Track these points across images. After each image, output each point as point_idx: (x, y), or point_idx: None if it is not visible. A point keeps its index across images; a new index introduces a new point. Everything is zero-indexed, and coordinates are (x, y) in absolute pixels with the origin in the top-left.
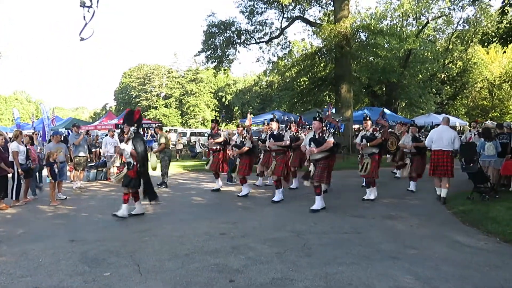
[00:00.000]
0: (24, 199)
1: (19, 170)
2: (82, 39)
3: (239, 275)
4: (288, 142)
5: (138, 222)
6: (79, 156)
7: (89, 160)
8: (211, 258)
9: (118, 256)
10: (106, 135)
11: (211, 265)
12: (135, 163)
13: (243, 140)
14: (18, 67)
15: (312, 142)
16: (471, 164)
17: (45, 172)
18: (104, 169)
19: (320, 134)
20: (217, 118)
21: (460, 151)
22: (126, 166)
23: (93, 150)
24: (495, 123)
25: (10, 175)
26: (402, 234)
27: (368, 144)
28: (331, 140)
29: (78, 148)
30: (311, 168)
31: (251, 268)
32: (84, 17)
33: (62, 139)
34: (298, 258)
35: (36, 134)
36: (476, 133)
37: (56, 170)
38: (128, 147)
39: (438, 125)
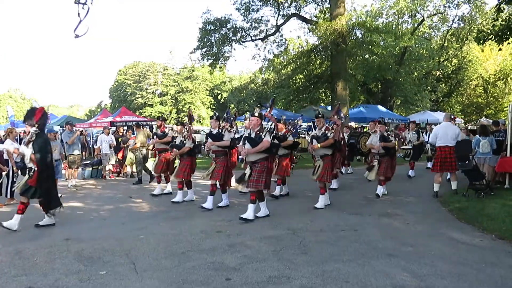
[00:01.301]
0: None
1: (14, 167)
2: (77, 36)
3: (235, 273)
4: (228, 143)
5: (133, 220)
6: (73, 155)
7: (84, 158)
8: (207, 256)
9: (114, 255)
10: (102, 133)
11: (207, 263)
12: (36, 169)
13: (183, 139)
14: (12, 64)
15: (247, 142)
16: (467, 162)
17: None
18: (99, 167)
19: (258, 132)
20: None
21: (456, 149)
22: (27, 172)
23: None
24: (490, 120)
25: (4, 173)
26: (398, 232)
27: (319, 145)
28: (267, 139)
29: (72, 146)
30: (247, 171)
31: (247, 266)
32: (78, 14)
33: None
34: (294, 256)
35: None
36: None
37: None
38: (28, 151)
39: (434, 123)
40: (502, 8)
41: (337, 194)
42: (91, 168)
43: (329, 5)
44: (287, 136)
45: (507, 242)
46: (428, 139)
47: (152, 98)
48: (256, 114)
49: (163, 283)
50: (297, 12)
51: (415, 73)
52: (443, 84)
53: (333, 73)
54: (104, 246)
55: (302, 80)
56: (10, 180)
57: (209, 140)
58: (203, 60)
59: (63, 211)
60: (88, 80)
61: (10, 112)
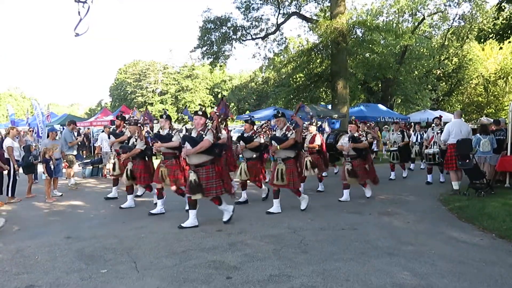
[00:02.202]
0: (27, 194)
1: (15, 166)
2: (77, 34)
3: (236, 271)
4: (177, 143)
5: (134, 219)
6: (72, 154)
7: (85, 157)
8: (208, 255)
9: (115, 253)
10: (102, 131)
11: (208, 262)
12: None
13: (135, 141)
14: (12, 63)
15: (186, 142)
16: (467, 160)
17: (40, 168)
18: (100, 166)
19: (200, 131)
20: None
21: (456, 147)
22: None
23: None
24: (491, 119)
25: (5, 172)
26: (398, 231)
27: (278, 146)
28: (208, 138)
29: (71, 146)
30: (192, 176)
31: (248, 265)
32: (79, 12)
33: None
34: (295, 255)
35: (31, 131)
36: (439, 131)
37: (52, 166)
38: None
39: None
40: (503, 7)
41: (336, 193)
42: (91, 167)
43: (329, 4)
44: (254, 137)
45: (507, 241)
46: (417, 140)
47: (152, 97)
48: (200, 112)
49: (164, 281)
50: (297, 11)
51: (416, 72)
52: (444, 83)
53: (333, 71)
54: (105, 244)
55: (303, 79)
56: (11, 179)
57: (158, 141)
58: (203, 59)
59: (64, 210)
60: (88, 79)
61: (11, 111)
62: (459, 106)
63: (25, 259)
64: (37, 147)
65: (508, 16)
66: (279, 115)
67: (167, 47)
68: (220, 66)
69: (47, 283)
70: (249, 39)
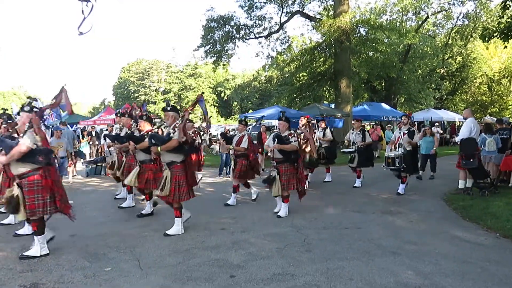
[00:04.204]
0: None
1: None
2: (80, 33)
3: (239, 270)
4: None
5: (137, 217)
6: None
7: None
8: (211, 253)
9: (118, 251)
10: (106, 130)
11: (211, 260)
12: None
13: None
14: (15, 62)
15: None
16: (471, 160)
17: None
18: (103, 164)
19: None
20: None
21: (461, 146)
22: None
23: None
24: (494, 118)
25: None
26: (402, 230)
27: (159, 148)
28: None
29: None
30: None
31: (251, 264)
32: (82, 11)
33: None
34: (298, 254)
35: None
36: (407, 131)
37: (57, 165)
38: None
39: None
40: (508, 5)
41: (340, 193)
42: (95, 165)
43: (333, 3)
44: (145, 136)
45: (511, 240)
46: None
47: (155, 96)
48: (168, 108)
49: (167, 280)
50: (300, 10)
51: (419, 71)
52: (447, 82)
53: (336, 70)
54: (109, 242)
55: (306, 78)
56: None
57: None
58: (206, 58)
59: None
60: (92, 78)
61: (15, 110)
62: (463, 105)
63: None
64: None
65: None
66: (168, 109)
67: (171, 46)
68: (223, 65)
69: (51, 281)
70: (252, 38)
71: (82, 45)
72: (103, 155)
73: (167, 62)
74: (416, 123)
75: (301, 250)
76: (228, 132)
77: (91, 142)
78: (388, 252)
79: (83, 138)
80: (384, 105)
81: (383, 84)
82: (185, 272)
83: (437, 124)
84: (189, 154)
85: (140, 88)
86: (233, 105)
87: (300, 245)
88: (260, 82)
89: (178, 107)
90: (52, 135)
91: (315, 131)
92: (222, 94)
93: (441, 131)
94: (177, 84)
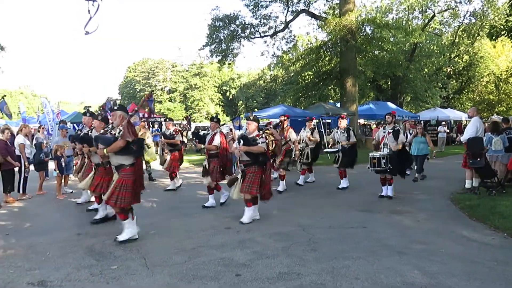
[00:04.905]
0: (38, 191)
1: (26, 163)
2: (87, 33)
3: (245, 269)
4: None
5: (144, 216)
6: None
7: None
8: (217, 252)
9: (125, 250)
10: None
11: (217, 259)
12: None
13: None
14: (22, 61)
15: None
16: (478, 159)
17: (51, 166)
18: None
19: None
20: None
21: (468, 145)
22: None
23: None
24: (501, 117)
25: (16, 169)
26: (408, 229)
27: (105, 151)
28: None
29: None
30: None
31: (257, 262)
32: (89, 11)
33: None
34: (304, 253)
35: (42, 128)
36: (391, 130)
37: (63, 163)
38: None
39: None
40: None
41: (345, 192)
42: None
43: (338, 1)
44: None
45: None
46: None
47: (161, 95)
48: (115, 108)
49: (173, 278)
50: (306, 8)
51: (426, 70)
52: (454, 81)
53: (342, 69)
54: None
55: (311, 77)
56: (22, 176)
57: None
58: (212, 57)
59: (74, 207)
60: (98, 77)
61: (22, 109)
62: (469, 104)
63: (36, 255)
64: (48, 144)
65: None
66: (115, 109)
67: (176, 45)
68: (229, 64)
69: (58, 278)
70: (258, 37)
71: (88, 44)
72: None
73: (172, 61)
74: (422, 122)
75: (306, 249)
76: (198, 129)
77: None
78: (395, 252)
79: None
80: (390, 104)
81: (389, 83)
82: (191, 270)
83: (443, 123)
84: (140, 156)
85: (145, 87)
86: (238, 104)
87: (305, 244)
88: (265, 81)
89: (184, 106)
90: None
91: (305, 130)
92: (227, 93)
93: (448, 130)
94: (183, 83)
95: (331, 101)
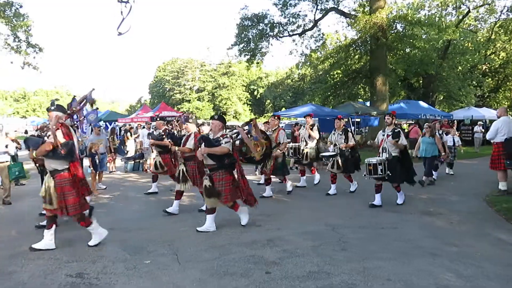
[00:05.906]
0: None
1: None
2: (119, 34)
3: (275, 267)
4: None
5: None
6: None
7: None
8: (247, 249)
9: (157, 245)
10: (143, 128)
11: (247, 257)
12: None
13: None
14: (58, 62)
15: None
16: None
17: (86, 163)
18: (141, 161)
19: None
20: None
21: (504, 146)
22: None
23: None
24: None
25: None
26: (441, 231)
27: (34, 153)
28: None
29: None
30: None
31: (287, 261)
32: (121, 12)
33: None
34: (334, 252)
35: (76, 127)
36: (391, 133)
37: (97, 161)
38: None
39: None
40: None
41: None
42: (133, 162)
43: None
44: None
45: None
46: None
47: (189, 94)
48: (52, 107)
49: (204, 274)
50: (335, 6)
51: (459, 68)
52: (490, 79)
53: (372, 68)
54: (147, 236)
55: (340, 76)
56: None
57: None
58: (240, 56)
59: (107, 202)
60: (129, 77)
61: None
62: (506, 103)
63: (74, 248)
64: (82, 142)
65: None
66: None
67: (205, 45)
68: (257, 63)
69: (95, 271)
70: (286, 36)
71: (120, 45)
72: (140, 152)
73: (201, 60)
74: (455, 122)
75: (336, 249)
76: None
77: (137, 140)
78: (427, 253)
79: (130, 135)
80: (421, 103)
81: (421, 81)
82: (221, 267)
83: (480, 122)
84: (72, 161)
85: (175, 86)
86: (266, 103)
87: (335, 243)
88: (293, 80)
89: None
90: (92, 132)
91: (304, 128)
92: (255, 92)
93: (483, 130)
94: (211, 82)
95: (360, 100)
